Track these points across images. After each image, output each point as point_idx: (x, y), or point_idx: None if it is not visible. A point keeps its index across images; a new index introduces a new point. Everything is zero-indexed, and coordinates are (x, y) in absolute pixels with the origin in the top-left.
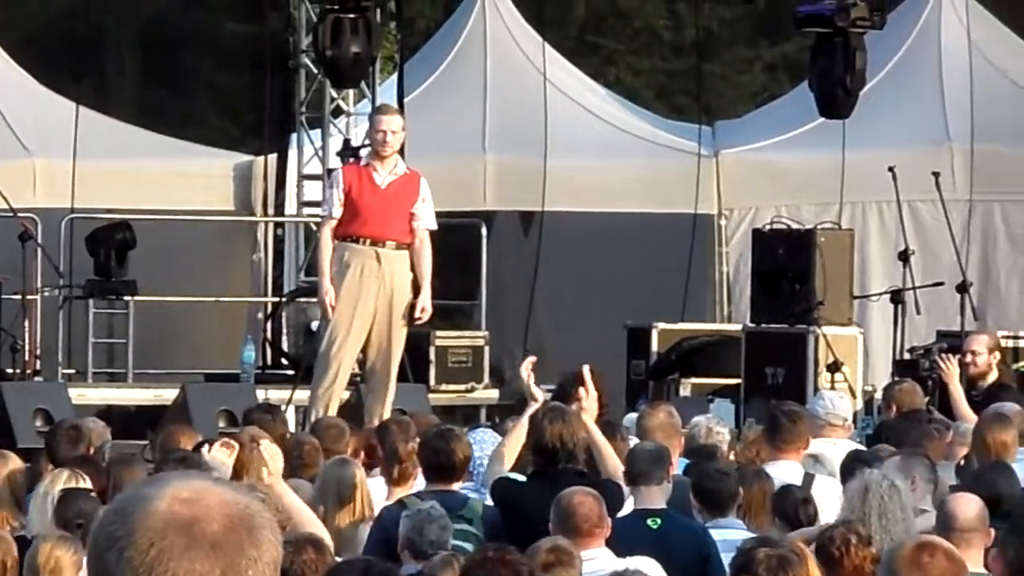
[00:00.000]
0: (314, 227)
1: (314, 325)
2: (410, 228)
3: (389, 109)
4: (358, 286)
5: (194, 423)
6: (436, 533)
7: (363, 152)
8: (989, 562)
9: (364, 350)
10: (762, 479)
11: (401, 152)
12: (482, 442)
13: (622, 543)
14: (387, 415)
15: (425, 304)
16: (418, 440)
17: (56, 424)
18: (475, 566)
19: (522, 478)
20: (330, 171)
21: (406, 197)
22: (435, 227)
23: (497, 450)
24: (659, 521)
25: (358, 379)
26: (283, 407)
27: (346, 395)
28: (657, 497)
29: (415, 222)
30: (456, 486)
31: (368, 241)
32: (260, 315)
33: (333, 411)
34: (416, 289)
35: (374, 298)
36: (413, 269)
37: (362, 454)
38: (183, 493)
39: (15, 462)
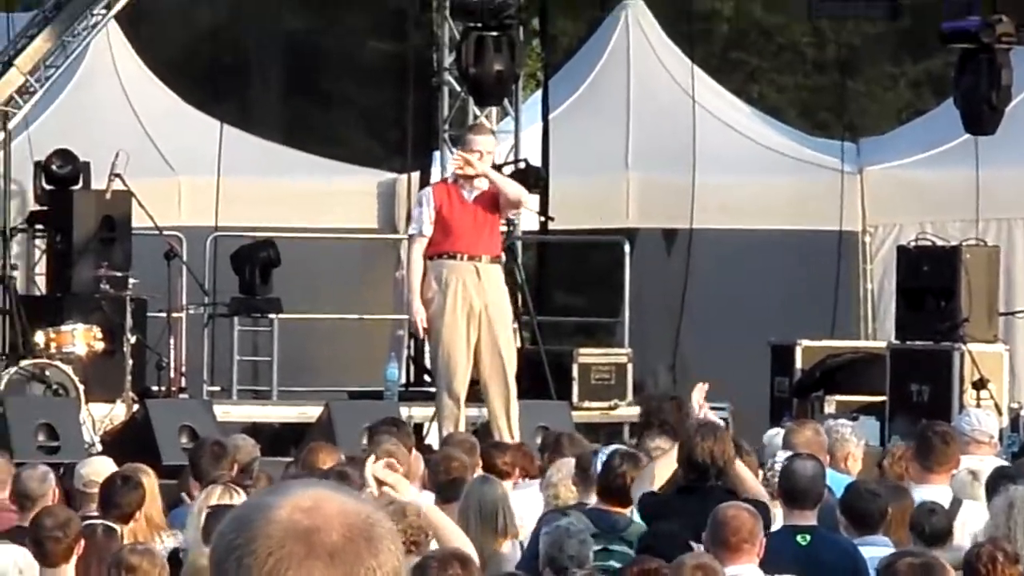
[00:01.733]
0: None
1: None
2: (501, 241)
3: (484, 129)
4: (461, 301)
5: (338, 440)
6: (576, 548)
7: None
8: None
9: (476, 366)
10: (902, 497)
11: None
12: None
13: (771, 559)
14: (515, 427)
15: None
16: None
17: (201, 440)
18: None
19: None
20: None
21: (491, 208)
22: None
23: (648, 469)
24: (808, 538)
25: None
26: (426, 425)
27: (474, 412)
28: (809, 516)
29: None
30: (624, 509)
31: (465, 256)
32: (400, 332)
33: (461, 428)
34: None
35: (477, 312)
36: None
37: (517, 470)
38: (304, 502)
39: (154, 478)
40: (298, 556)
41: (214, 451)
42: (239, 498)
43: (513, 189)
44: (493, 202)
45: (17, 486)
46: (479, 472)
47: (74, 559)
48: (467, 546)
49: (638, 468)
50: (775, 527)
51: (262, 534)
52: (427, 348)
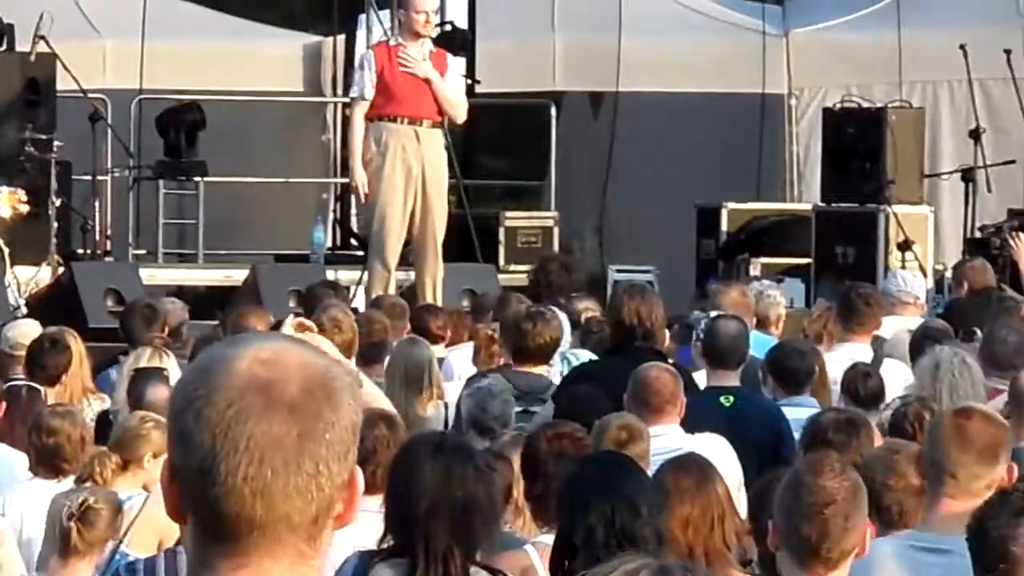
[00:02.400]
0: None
1: None
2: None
3: None
4: (400, 165)
5: (264, 303)
6: (499, 408)
7: (394, 31)
8: None
9: (409, 230)
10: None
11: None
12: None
13: (694, 420)
14: (439, 291)
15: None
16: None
17: (132, 303)
18: (538, 442)
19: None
20: None
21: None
22: (465, 104)
23: None
24: (732, 399)
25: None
26: (352, 288)
27: (401, 276)
28: (732, 376)
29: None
30: (541, 369)
31: (405, 120)
32: (324, 195)
33: (391, 291)
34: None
35: (416, 176)
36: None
37: (449, 332)
38: (263, 354)
39: (80, 341)
40: (257, 408)
41: (145, 314)
42: (168, 360)
43: (453, 99)
44: (436, 67)
45: None
46: (406, 335)
47: None
48: (387, 405)
49: (551, 327)
50: None
51: (222, 385)
52: (354, 211)
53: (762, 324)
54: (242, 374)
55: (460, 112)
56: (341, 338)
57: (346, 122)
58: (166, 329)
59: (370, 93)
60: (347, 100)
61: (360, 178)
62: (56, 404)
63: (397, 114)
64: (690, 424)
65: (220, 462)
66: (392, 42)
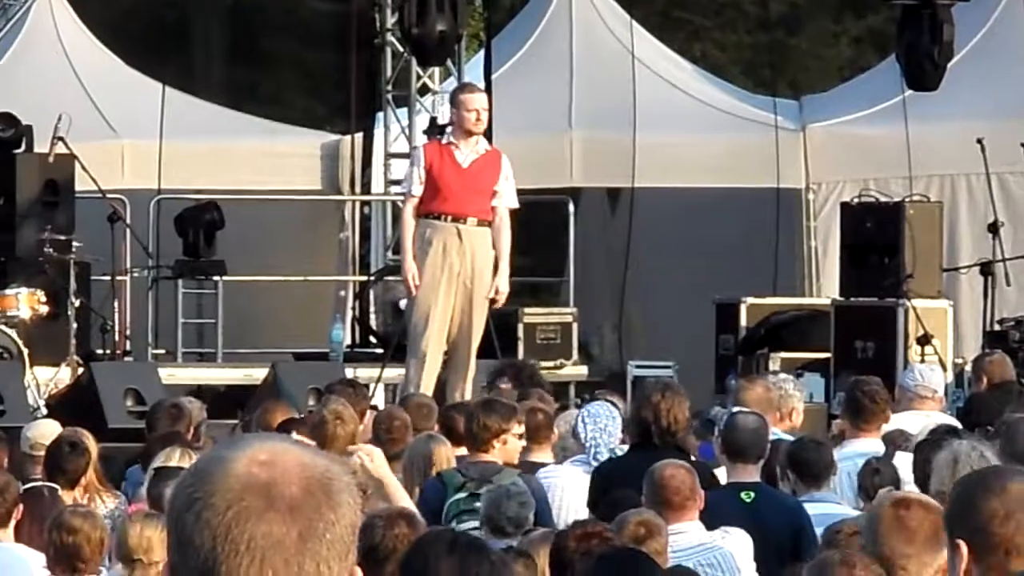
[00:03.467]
0: (400, 205)
1: (402, 303)
2: (491, 206)
3: (475, 88)
4: (441, 263)
5: (284, 401)
6: (515, 510)
7: (447, 130)
8: None
9: (447, 327)
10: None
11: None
12: (596, 416)
13: (715, 516)
14: (468, 392)
15: (501, 286)
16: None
17: (157, 403)
18: (566, 540)
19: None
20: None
21: (488, 175)
22: (516, 205)
23: None
24: (753, 495)
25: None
26: (372, 386)
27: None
28: (752, 471)
29: (496, 200)
30: (491, 455)
31: (449, 218)
32: (342, 293)
33: (428, 391)
34: (496, 268)
35: (457, 274)
36: (495, 247)
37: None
38: (261, 455)
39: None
40: (257, 509)
41: (171, 413)
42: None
43: (506, 242)
44: (488, 167)
45: None
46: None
47: (13, 523)
48: (408, 503)
49: (498, 415)
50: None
51: (221, 487)
52: (373, 308)
53: (777, 418)
54: (240, 475)
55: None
56: (344, 430)
57: (364, 220)
58: (191, 429)
59: (418, 189)
60: (364, 198)
61: (411, 271)
62: (77, 505)
63: (441, 211)
64: (711, 520)
65: (221, 564)
66: (444, 140)
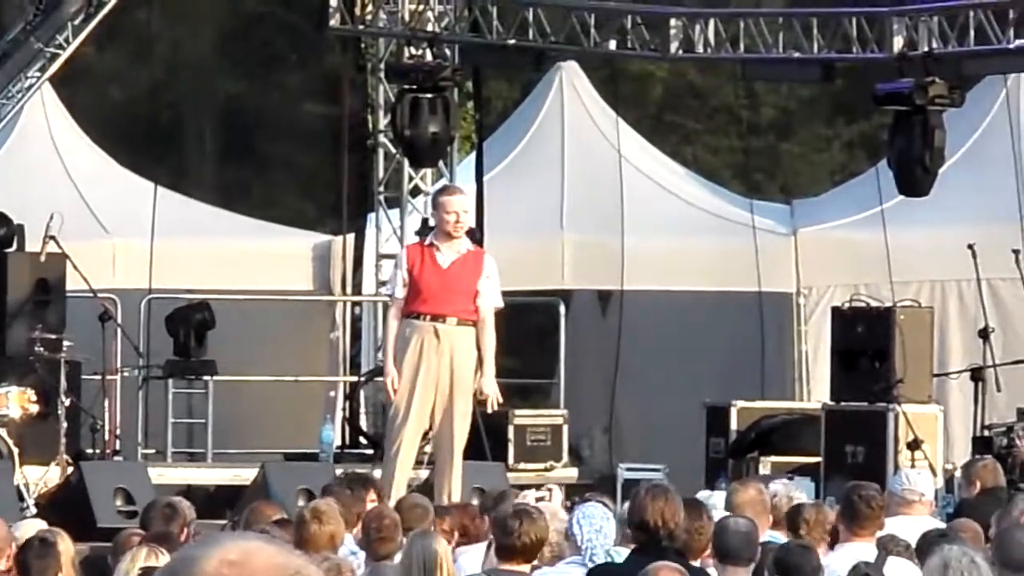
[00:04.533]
0: None
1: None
2: (475, 306)
3: (456, 190)
4: (417, 360)
5: (274, 502)
6: None
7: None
8: None
9: (430, 426)
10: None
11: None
12: (591, 517)
13: None
14: (457, 492)
15: (486, 387)
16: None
17: (152, 502)
18: None
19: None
20: None
21: (469, 275)
22: (500, 304)
23: None
24: None
25: (427, 456)
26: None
27: (424, 474)
28: (742, 573)
29: (478, 300)
30: (525, 567)
31: (428, 317)
32: (332, 393)
33: (402, 488)
34: (480, 368)
35: (435, 373)
36: (478, 347)
37: (457, 533)
38: (230, 555)
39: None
40: None
41: (165, 513)
42: (162, 560)
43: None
44: (468, 267)
45: None
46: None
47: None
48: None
49: (536, 526)
50: None
51: None
52: (363, 409)
53: (784, 525)
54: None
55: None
56: (321, 529)
57: (355, 320)
58: (184, 529)
59: (401, 292)
60: (355, 299)
61: (391, 374)
62: None
63: (420, 311)
64: None
65: None
66: (427, 242)
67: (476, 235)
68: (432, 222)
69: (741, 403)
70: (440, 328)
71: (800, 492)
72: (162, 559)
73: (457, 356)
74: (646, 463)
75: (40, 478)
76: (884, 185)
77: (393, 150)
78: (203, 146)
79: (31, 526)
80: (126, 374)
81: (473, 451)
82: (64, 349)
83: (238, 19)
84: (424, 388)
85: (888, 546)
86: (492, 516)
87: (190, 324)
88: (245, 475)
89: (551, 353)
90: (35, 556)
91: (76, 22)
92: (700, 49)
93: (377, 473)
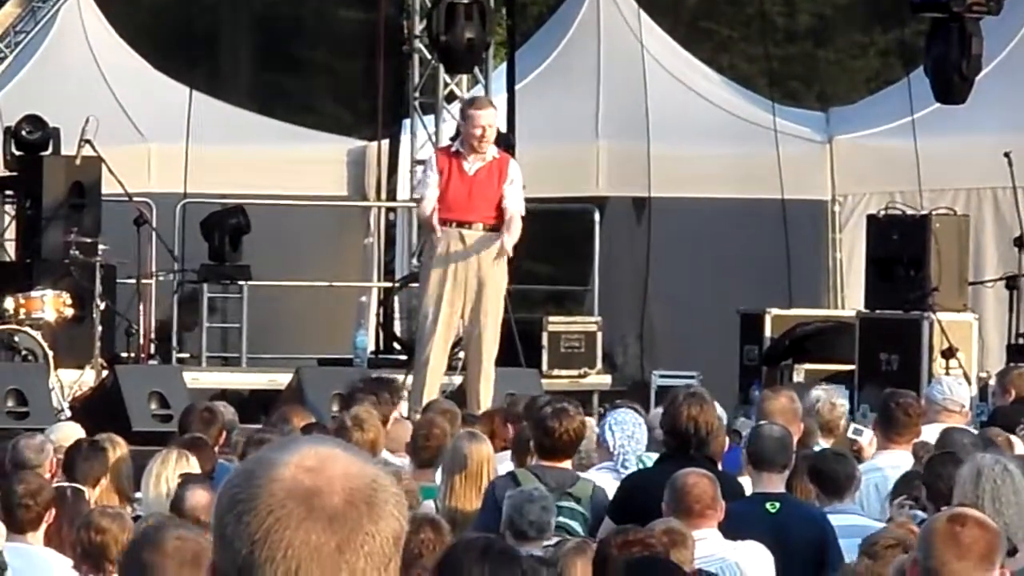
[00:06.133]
0: None
1: None
2: (499, 211)
3: (485, 103)
4: (444, 267)
5: (308, 407)
6: (537, 514)
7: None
8: None
9: (453, 333)
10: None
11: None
12: (623, 423)
13: (740, 527)
14: (488, 397)
15: (505, 245)
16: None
17: (190, 405)
18: (609, 548)
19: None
20: None
21: (494, 181)
22: (522, 211)
23: None
24: (778, 505)
25: (459, 361)
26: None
27: (458, 380)
28: (777, 482)
29: (504, 202)
30: (566, 464)
31: (454, 224)
32: (363, 299)
33: (434, 393)
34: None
35: (463, 279)
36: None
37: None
38: (308, 461)
39: (123, 446)
40: (298, 517)
41: (204, 416)
42: (191, 463)
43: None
44: (493, 173)
45: (14, 455)
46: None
47: (43, 527)
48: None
49: (574, 422)
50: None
51: (265, 491)
52: (397, 315)
53: (830, 432)
54: (285, 481)
55: (515, 232)
56: (363, 437)
57: (389, 227)
58: (223, 433)
59: (433, 192)
60: (390, 205)
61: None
62: (107, 506)
63: (447, 218)
64: (735, 530)
65: (258, 568)
66: (454, 148)
67: (510, 139)
68: (457, 130)
69: (775, 310)
70: (466, 234)
71: (842, 398)
72: (193, 463)
73: (484, 262)
74: (680, 370)
75: (75, 381)
76: (917, 94)
77: (429, 56)
78: (238, 51)
79: (68, 429)
80: (161, 278)
81: (507, 358)
82: (99, 253)
83: None
84: (452, 294)
85: (920, 454)
86: (529, 417)
87: (225, 229)
88: (280, 380)
89: (585, 260)
90: (83, 458)
91: None
92: None
93: (408, 379)
